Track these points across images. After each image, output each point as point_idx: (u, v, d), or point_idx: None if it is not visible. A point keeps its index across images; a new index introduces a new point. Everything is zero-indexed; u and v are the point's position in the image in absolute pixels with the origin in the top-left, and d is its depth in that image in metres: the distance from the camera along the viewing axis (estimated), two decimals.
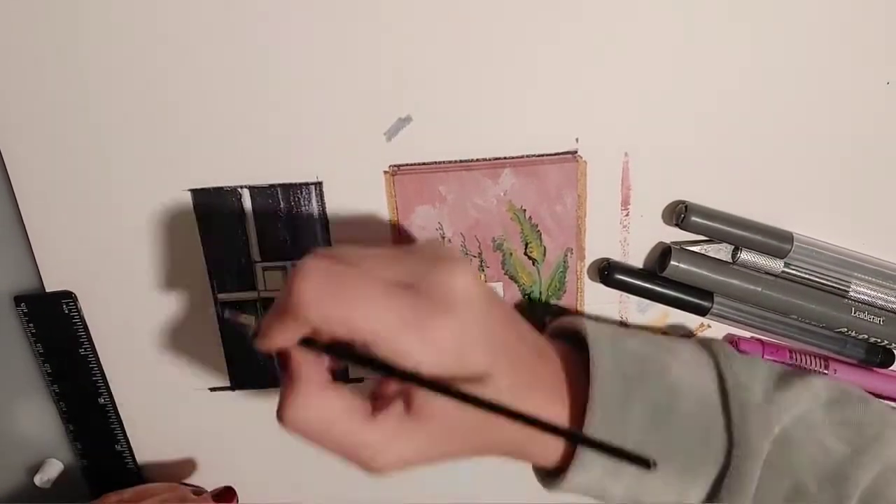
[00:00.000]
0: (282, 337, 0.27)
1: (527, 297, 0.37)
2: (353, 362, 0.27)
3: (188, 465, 0.42)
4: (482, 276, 0.37)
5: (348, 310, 0.25)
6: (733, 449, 0.31)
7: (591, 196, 0.35)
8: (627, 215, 0.35)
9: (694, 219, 0.33)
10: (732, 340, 0.36)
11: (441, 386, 0.26)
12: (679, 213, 0.34)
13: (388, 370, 0.26)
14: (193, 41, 0.32)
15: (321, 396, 0.27)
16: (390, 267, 0.27)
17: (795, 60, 0.32)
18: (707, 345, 0.35)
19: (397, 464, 0.27)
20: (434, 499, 0.43)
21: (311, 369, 0.27)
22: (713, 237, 0.34)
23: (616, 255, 0.36)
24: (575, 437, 0.28)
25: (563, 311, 0.37)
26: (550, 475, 0.33)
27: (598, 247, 0.36)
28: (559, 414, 0.31)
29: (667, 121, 0.33)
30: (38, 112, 0.34)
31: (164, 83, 0.33)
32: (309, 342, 0.27)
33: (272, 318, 0.27)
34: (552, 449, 0.31)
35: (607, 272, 0.35)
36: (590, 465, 0.30)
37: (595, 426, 0.30)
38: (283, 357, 0.28)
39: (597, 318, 0.38)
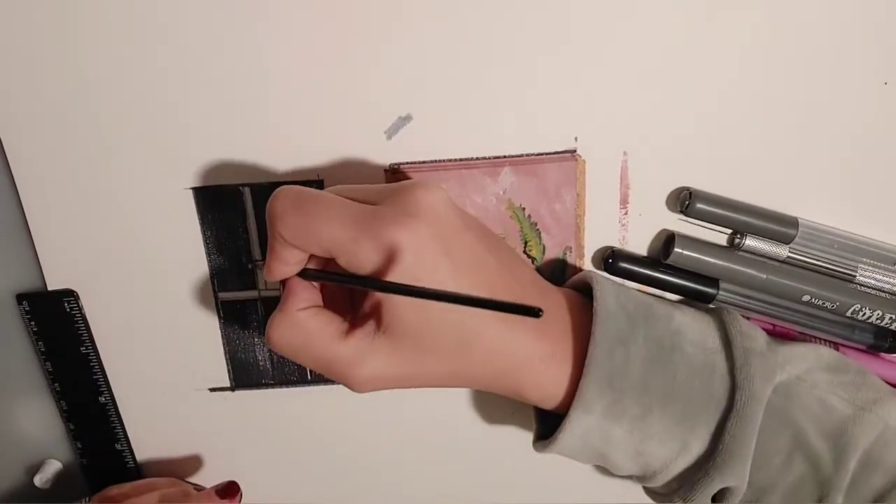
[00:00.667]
0: (277, 266, 0.30)
1: None
2: (330, 281, 0.29)
3: (188, 465, 0.42)
4: None
5: (310, 220, 0.27)
6: (736, 392, 0.30)
7: (589, 195, 0.35)
8: (626, 214, 0.35)
9: (699, 205, 0.33)
10: None
11: (401, 287, 0.26)
12: (683, 200, 0.34)
13: (353, 280, 0.28)
14: (194, 40, 0.33)
15: (300, 317, 0.29)
16: (363, 195, 0.29)
17: (797, 50, 0.32)
18: (709, 308, 0.35)
19: (371, 380, 0.29)
20: (436, 499, 0.43)
21: (300, 294, 0.30)
22: (718, 223, 0.34)
23: None
24: (514, 308, 0.25)
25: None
26: (546, 434, 0.33)
27: (596, 245, 0.36)
28: (557, 351, 0.31)
29: (665, 119, 0.34)
30: (41, 111, 0.34)
31: (165, 83, 0.33)
32: (303, 274, 0.30)
33: (268, 251, 0.30)
34: (549, 378, 0.31)
35: (611, 260, 0.35)
36: (592, 401, 0.30)
37: (598, 358, 0.30)
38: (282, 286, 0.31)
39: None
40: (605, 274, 0.35)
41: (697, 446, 0.31)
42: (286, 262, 0.29)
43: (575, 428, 0.31)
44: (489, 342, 0.29)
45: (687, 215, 0.34)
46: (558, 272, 0.37)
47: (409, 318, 0.28)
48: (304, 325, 0.29)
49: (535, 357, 0.30)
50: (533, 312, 0.24)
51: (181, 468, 0.42)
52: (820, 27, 0.32)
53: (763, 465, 0.31)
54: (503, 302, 0.25)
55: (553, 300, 0.32)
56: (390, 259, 0.27)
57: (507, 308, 0.25)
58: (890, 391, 0.33)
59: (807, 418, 0.31)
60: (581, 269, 0.36)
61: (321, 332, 0.29)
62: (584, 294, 0.34)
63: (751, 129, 0.34)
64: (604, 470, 0.35)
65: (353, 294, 0.33)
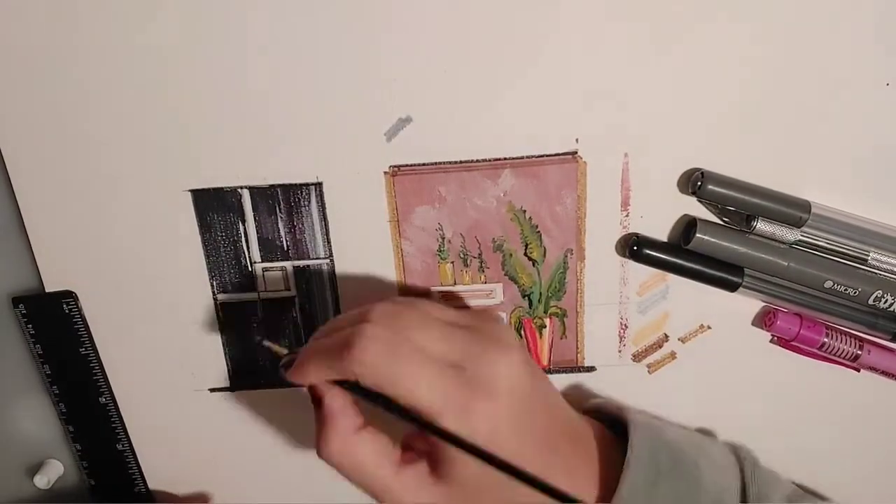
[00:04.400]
0: (318, 377, 0.30)
1: (527, 297, 0.37)
2: (383, 408, 0.29)
3: (188, 465, 0.42)
4: (482, 276, 0.37)
5: (399, 381, 0.28)
6: None
7: (590, 197, 0.35)
8: (627, 216, 0.35)
9: (710, 187, 0.33)
10: (770, 313, 0.36)
11: (466, 443, 0.28)
12: (695, 181, 0.34)
13: (420, 424, 0.28)
14: (193, 41, 0.32)
15: (355, 440, 0.30)
16: (447, 343, 0.30)
17: (800, 41, 0.32)
18: (735, 451, 0.36)
19: None
20: None
21: (345, 410, 0.30)
22: (729, 206, 0.34)
23: (615, 256, 0.36)
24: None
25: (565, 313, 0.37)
26: None
27: (597, 247, 0.36)
28: (581, 497, 0.31)
29: (667, 121, 0.33)
30: (39, 112, 0.34)
31: (164, 84, 0.33)
32: (341, 382, 0.30)
33: (315, 357, 0.30)
34: None
35: (636, 247, 0.35)
36: None
37: None
38: (316, 392, 0.30)
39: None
40: (637, 411, 0.35)
41: None
42: (325, 375, 0.30)
43: None
44: (531, 493, 0.30)
45: (699, 197, 0.34)
46: (558, 275, 0.37)
47: (468, 477, 0.29)
48: (358, 450, 0.30)
49: None
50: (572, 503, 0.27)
51: (181, 468, 0.42)
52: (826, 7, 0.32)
53: None
54: (553, 487, 0.27)
55: (583, 443, 0.33)
56: (466, 426, 0.28)
57: (555, 494, 0.27)
58: None
59: None
60: (582, 281, 0.36)
61: (375, 461, 0.30)
62: (615, 428, 0.35)
63: (752, 130, 0.33)
64: None
65: None
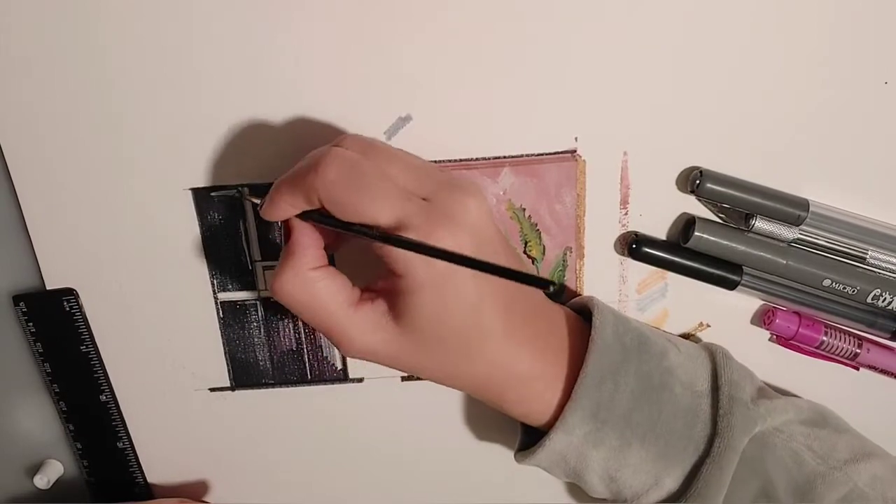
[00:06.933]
0: (288, 208, 0.29)
1: None
2: (344, 230, 0.28)
3: (189, 465, 0.42)
4: None
5: (360, 201, 0.27)
6: (716, 439, 0.31)
7: (590, 195, 0.35)
8: (626, 214, 0.35)
9: (709, 185, 0.33)
10: (769, 312, 0.36)
11: (428, 247, 0.26)
12: (694, 179, 0.34)
13: (380, 237, 0.27)
14: (193, 40, 0.32)
15: (312, 276, 0.29)
16: (415, 179, 0.29)
17: (799, 41, 0.32)
18: (706, 346, 0.35)
19: (365, 354, 0.30)
20: (437, 498, 0.43)
21: (309, 247, 0.29)
22: (728, 204, 0.34)
23: (614, 254, 0.36)
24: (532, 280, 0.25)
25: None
26: (528, 446, 0.33)
27: (597, 245, 0.36)
28: (547, 372, 0.31)
29: (666, 119, 0.34)
30: (40, 109, 0.34)
31: (164, 82, 0.33)
32: (309, 214, 0.29)
33: (284, 187, 0.28)
34: (532, 397, 0.32)
35: (635, 245, 0.35)
36: (573, 426, 0.31)
37: (586, 388, 0.31)
38: (287, 229, 0.30)
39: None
40: (604, 302, 0.35)
41: (670, 484, 0.32)
42: (295, 206, 0.29)
43: (554, 446, 0.32)
44: (490, 353, 0.30)
45: (698, 195, 0.34)
46: (558, 273, 0.37)
47: (428, 313, 0.28)
48: (314, 287, 0.29)
49: (524, 375, 0.31)
50: (545, 284, 0.24)
51: (182, 467, 0.42)
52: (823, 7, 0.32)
53: None
54: (519, 272, 0.25)
55: (553, 321, 0.33)
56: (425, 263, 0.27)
57: (522, 278, 0.25)
58: (865, 451, 0.33)
59: (778, 471, 0.32)
60: (582, 279, 0.36)
61: (332, 299, 0.29)
62: (583, 317, 0.34)
63: (752, 128, 0.34)
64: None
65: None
